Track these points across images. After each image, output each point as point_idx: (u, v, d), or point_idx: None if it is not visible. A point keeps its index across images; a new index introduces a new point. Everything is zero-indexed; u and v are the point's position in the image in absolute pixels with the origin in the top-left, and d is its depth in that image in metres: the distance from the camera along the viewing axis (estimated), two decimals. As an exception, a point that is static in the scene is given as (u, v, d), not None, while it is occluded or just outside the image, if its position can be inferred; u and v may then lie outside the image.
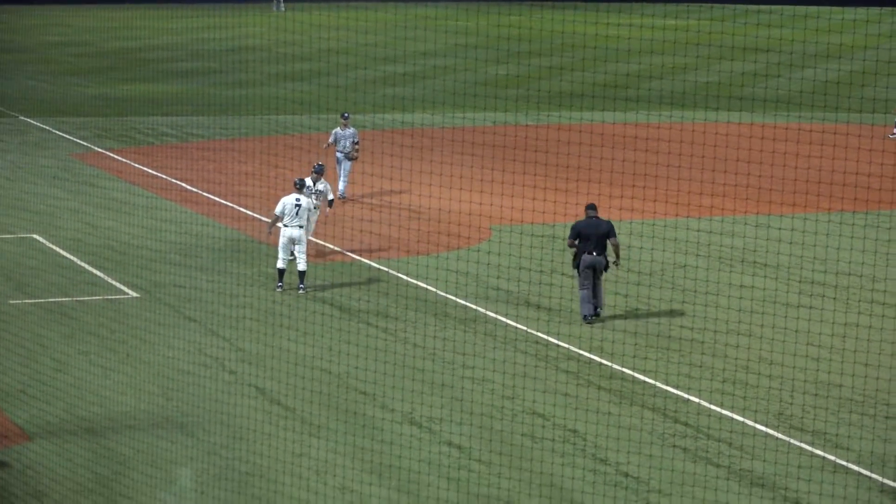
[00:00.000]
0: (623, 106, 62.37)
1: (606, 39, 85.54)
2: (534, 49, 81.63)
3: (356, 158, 45.51)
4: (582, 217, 33.11)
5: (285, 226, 34.05)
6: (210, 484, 22.98)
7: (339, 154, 45.67)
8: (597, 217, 32.88)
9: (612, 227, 32.81)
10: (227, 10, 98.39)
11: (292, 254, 34.59)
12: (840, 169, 42.00)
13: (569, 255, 34.02)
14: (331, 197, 37.50)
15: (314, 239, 37.90)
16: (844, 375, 27.97)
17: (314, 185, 36.49)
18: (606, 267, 32.58)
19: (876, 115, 58.80)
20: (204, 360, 29.10)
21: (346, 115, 46.27)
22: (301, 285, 34.33)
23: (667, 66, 76.69)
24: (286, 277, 34.70)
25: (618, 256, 32.94)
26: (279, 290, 34.39)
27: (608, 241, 32.52)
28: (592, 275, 32.37)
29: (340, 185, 45.24)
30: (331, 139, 45.83)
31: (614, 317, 32.63)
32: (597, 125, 57.55)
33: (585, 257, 32.25)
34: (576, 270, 32.80)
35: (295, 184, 34.84)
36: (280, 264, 34.27)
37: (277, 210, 34.32)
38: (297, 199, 34.19)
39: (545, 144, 45.07)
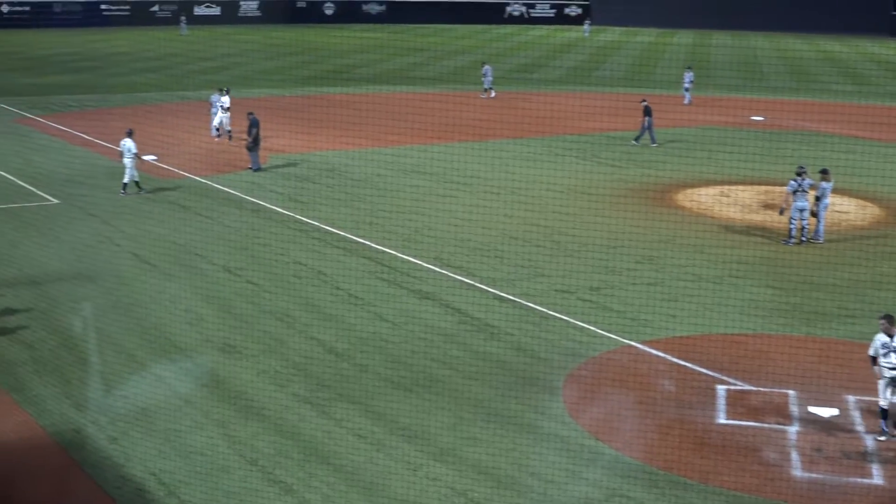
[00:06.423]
0: (344, 84, 61.84)
1: (332, 44, 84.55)
2: (293, 51, 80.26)
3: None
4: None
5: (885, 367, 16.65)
6: (109, 309, 22.28)
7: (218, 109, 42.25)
8: None
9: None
10: (106, 29, 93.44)
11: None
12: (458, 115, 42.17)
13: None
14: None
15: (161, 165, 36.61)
16: (472, 234, 28.33)
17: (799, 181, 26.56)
18: None
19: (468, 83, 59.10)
20: (101, 238, 28.08)
21: (226, 89, 42.49)
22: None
23: (367, 60, 76.12)
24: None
25: None
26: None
27: None
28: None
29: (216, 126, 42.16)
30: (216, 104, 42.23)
31: (341, 206, 32.39)
32: (329, 95, 56.84)
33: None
34: None
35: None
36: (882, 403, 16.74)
37: (871, 351, 16.80)
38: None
39: (307, 108, 44.30)
